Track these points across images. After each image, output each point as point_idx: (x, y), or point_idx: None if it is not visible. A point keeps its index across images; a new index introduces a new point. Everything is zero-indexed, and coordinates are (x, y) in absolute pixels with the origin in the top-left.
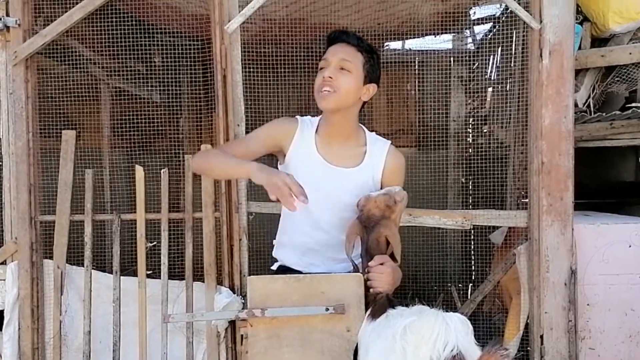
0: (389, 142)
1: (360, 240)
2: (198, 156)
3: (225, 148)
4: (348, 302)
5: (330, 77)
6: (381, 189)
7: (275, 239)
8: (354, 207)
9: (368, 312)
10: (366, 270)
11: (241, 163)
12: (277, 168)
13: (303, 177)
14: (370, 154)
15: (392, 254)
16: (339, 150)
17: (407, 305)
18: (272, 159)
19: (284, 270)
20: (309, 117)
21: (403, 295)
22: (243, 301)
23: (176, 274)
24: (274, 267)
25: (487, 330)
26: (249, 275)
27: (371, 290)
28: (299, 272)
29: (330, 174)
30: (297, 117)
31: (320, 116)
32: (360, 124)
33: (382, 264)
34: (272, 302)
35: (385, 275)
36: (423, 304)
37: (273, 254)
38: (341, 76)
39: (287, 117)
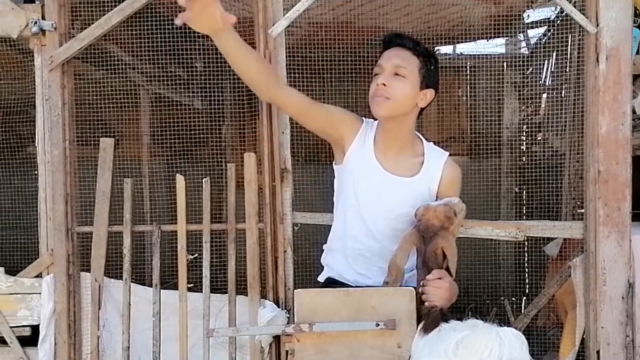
0: (447, 153)
1: (416, 250)
2: None
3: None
4: (399, 318)
5: (384, 84)
6: (436, 200)
7: (325, 244)
8: (407, 218)
9: (420, 325)
10: (422, 283)
11: None
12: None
13: (361, 182)
14: (427, 165)
15: (446, 267)
16: (396, 159)
17: (460, 319)
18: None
19: (332, 282)
20: (371, 120)
21: (455, 310)
22: (288, 315)
23: (218, 287)
24: (321, 278)
25: (541, 345)
26: (294, 288)
27: (426, 303)
28: (347, 286)
29: (387, 182)
30: (362, 117)
31: (377, 121)
32: (417, 133)
33: (440, 278)
34: (320, 317)
35: (442, 290)
36: (477, 318)
37: (322, 260)
38: (396, 82)
39: (353, 113)
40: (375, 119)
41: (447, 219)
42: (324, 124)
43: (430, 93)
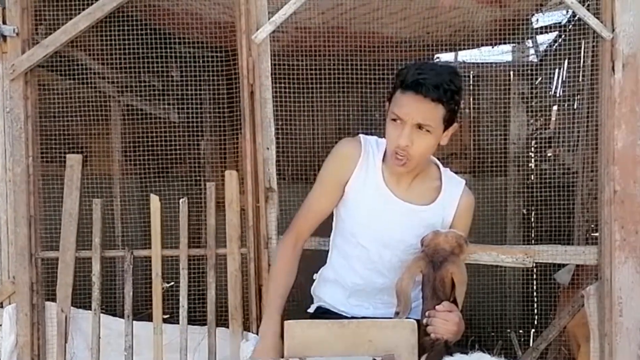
0: (464, 181)
1: (422, 278)
2: (276, 258)
3: (295, 229)
4: (399, 353)
5: (407, 145)
6: None
7: (316, 273)
8: (416, 250)
9: (423, 358)
10: (428, 314)
11: (268, 307)
12: None
13: (366, 209)
14: (444, 194)
15: (453, 299)
16: (409, 185)
17: (465, 353)
18: None
19: (324, 312)
20: (375, 138)
21: (458, 343)
22: None
23: (197, 318)
24: (312, 309)
25: None
26: (281, 320)
27: (432, 335)
28: (342, 316)
29: (396, 208)
30: (361, 136)
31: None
32: (433, 157)
33: (450, 311)
34: (312, 351)
35: (450, 324)
36: (483, 351)
37: (312, 291)
38: (419, 140)
39: (346, 143)
40: (381, 137)
41: (458, 245)
42: (338, 197)
43: (452, 128)
